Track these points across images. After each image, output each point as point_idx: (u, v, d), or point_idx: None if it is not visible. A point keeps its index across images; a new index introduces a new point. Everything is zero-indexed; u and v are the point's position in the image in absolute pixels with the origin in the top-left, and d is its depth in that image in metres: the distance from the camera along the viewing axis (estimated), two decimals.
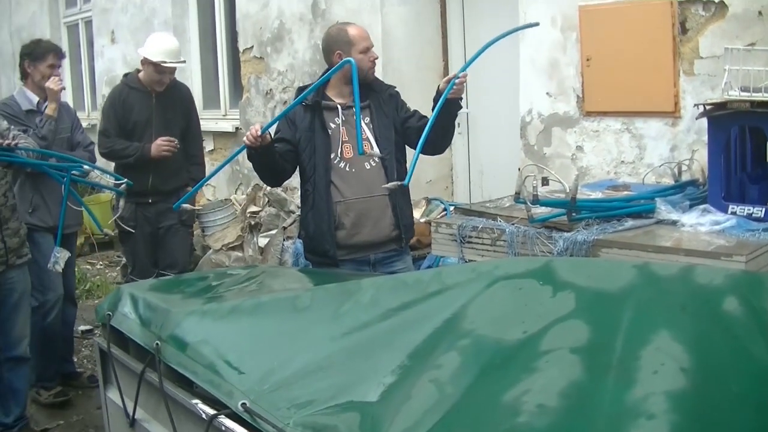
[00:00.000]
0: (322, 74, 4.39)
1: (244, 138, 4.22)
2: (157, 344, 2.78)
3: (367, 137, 4.35)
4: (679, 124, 5.25)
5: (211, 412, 2.34)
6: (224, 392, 2.35)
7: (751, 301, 2.10)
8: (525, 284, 2.34)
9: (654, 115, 5.39)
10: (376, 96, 4.47)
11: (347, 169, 4.36)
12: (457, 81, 4.16)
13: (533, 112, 6.06)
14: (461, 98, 4.34)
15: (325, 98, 4.43)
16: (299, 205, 6.45)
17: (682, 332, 1.97)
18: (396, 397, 2.04)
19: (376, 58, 4.47)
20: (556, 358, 1.95)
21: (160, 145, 5.93)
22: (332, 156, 4.35)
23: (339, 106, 4.40)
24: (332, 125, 4.38)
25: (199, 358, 2.58)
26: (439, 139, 4.36)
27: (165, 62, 5.93)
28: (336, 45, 4.40)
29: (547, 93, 5.96)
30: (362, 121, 4.33)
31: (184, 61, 6.25)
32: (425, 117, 4.42)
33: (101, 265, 9.52)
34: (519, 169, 3.84)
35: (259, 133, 4.17)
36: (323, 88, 4.44)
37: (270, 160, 4.33)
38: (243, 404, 2.23)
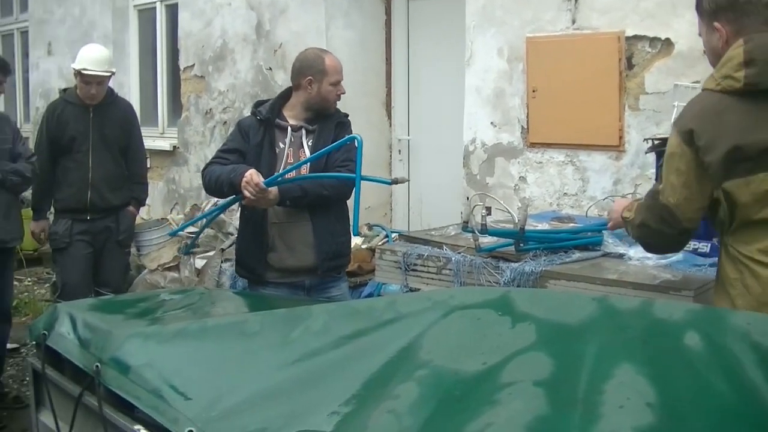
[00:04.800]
0: (278, 98, 4.41)
1: (244, 189, 4.04)
2: (97, 366, 2.66)
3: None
4: (623, 158, 5.30)
5: None
6: (169, 419, 2.25)
7: (711, 336, 2.08)
8: (483, 315, 2.30)
9: (598, 148, 5.42)
10: (324, 123, 4.41)
11: None
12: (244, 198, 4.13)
13: (477, 141, 6.06)
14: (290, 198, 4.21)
15: (280, 117, 4.37)
16: (237, 227, 6.39)
17: (645, 367, 1.94)
18: (351, 427, 1.97)
19: (343, 93, 4.40)
20: (518, 390, 1.90)
21: None
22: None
23: (290, 128, 4.34)
24: (281, 145, 4.32)
25: (142, 382, 2.47)
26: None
27: (86, 69, 5.83)
28: (309, 70, 4.31)
29: (492, 123, 5.96)
30: (306, 144, 4.31)
31: (113, 72, 6.09)
32: (348, 163, 4.33)
33: (29, 281, 9.28)
34: (468, 198, 3.81)
35: (263, 187, 4.04)
36: (280, 106, 4.39)
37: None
38: (190, 431, 2.14)
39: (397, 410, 1.95)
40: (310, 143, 4.32)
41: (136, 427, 2.38)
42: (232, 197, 4.36)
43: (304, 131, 4.34)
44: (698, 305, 2.67)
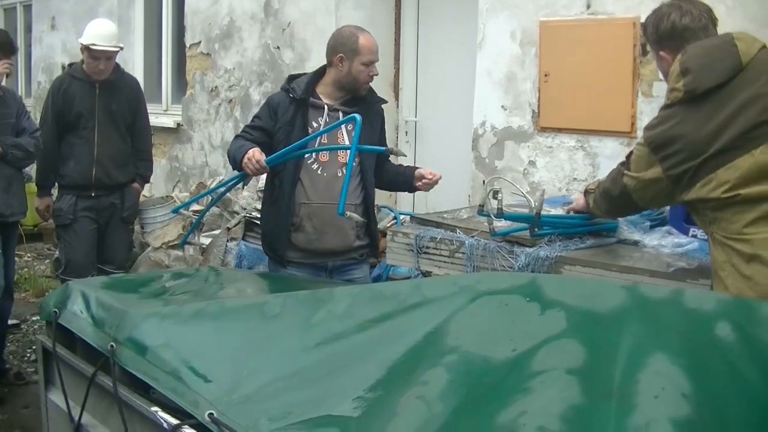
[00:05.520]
0: (313, 74, 4.37)
1: (245, 167, 4.06)
2: (112, 346, 2.63)
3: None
4: (634, 145, 5.24)
5: (174, 421, 2.19)
6: (189, 401, 2.22)
7: (743, 327, 2.05)
8: (511, 300, 2.26)
9: (610, 134, 5.37)
10: (366, 106, 4.35)
11: (319, 172, 4.24)
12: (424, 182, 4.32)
13: (487, 124, 6.01)
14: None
15: (314, 95, 4.30)
16: (243, 206, 6.35)
17: (679, 357, 1.90)
18: (380, 413, 1.93)
19: (376, 74, 4.35)
20: (551, 379, 1.86)
21: None
22: (307, 155, 4.21)
23: (326, 107, 4.27)
24: (314, 124, 4.25)
25: (160, 363, 2.43)
26: (384, 185, 4.63)
27: (95, 45, 5.77)
28: (342, 47, 4.25)
29: (503, 106, 5.91)
30: (346, 128, 4.24)
31: (121, 47, 6.03)
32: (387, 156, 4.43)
33: (29, 257, 9.24)
34: (484, 182, 3.78)
35: (264, 164, 4.04)
36: (313, 84, 4.32)
37: None
38: (210, 415, 2.09)
39: (427, 396, 1.91)
40: (349, 127, 4.24)
41: (154, 408, 2.33)
42: (237, 176, 4.33)
43: (341, 114, 4.28)
44: (728, 296, 2.64)
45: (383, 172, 4.48)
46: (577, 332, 2.06)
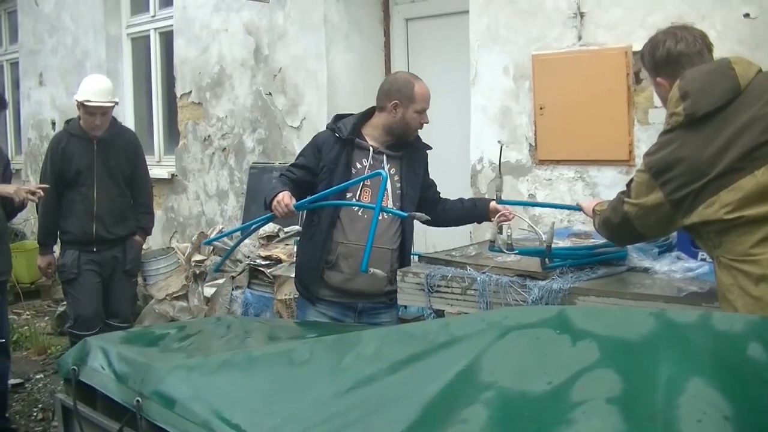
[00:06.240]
0: (360, 116, 4.40)
1: (274, 209, 4.09)
2: (138, 401, 2.63)
3: (393, 189, 4.30)
4: (634, 173, 5.28)
5: None
6: None
7: None
8: (541, 334, 2.26)
9: (608, 163, 5.41)
10: (410, 150, 4.41)
11: (360, 213, 4.25)
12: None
13: (484, 160, 6.05)
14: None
15: (359, 136, 4.33)
16: (246, 254, 6.35)
17: (714, 379, 1.91)
18: None
19: (427, 122, 4.39)
20: (592, 409, 1.87)
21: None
22: (348, 195, 4.22)
23: (371, 148, 4.30)
24: (358, 165, 4.29)
25: (190, 415, 2.42)
26: (452, 222, 4.66)
27: (90, 101, 5.79)
28: (397, 94, 4.28)
29: (499, 141, 5.93)
30: (389, 172, 4.25)
31: (116, 102, 6.07)
32: (439, 193, 4.56)
33: (28, 315, 9.18)
34: (494, 218, 3.80)
35: (292, 209, 4.06)
36: (360, 125, 4.34)
37: None
38: None
39: None
40: (392, 171, 4.29)
41: None
42: (266, 216, 4.39)
43: (385, 157, 4.32)
44: (755, 316, 2.66)
45: (444, 212, 4.55)
46: (610, 361, 2.07)
